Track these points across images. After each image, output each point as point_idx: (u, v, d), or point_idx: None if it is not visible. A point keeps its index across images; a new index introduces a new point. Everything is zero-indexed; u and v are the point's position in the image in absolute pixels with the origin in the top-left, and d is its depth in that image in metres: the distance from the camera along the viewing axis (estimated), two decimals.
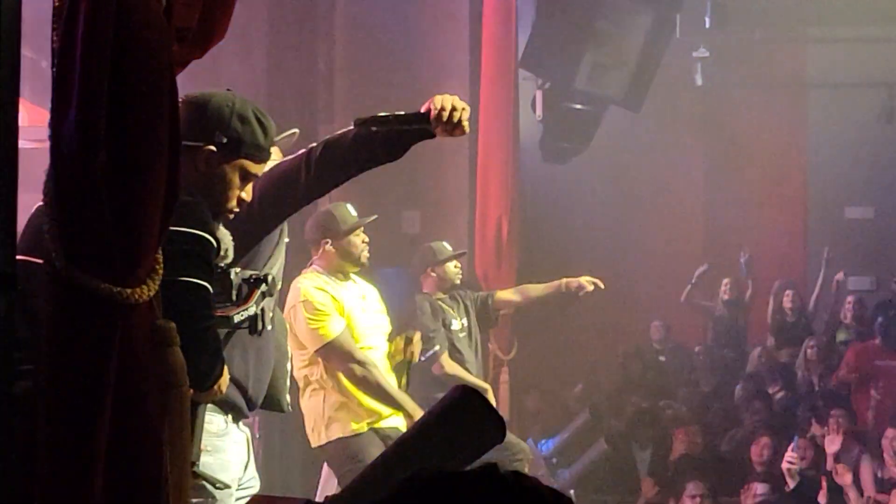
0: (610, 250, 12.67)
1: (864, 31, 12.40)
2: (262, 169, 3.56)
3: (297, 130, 4.48)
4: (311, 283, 5.97)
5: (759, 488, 8.16)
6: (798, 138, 13.40)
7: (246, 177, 3.49)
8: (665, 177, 13.14)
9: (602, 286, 7.59)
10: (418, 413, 6.03)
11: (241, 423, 3.97)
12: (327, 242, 6.02)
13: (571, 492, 8.71)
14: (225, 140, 3.41)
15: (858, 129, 12.84)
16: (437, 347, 7.29)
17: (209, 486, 3.71)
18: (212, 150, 3.41)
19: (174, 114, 2.00)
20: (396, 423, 6.04)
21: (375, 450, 5.78)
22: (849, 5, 11.73)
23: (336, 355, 5.90)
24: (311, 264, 6.12)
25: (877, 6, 11.60)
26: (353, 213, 6.15)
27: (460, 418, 2.58)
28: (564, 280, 7.64)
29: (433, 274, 7.36)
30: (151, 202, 1.98)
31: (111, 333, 1.97)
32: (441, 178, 9.52)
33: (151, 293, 2.01)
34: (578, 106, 10.04)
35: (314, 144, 3.94)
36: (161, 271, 2.04)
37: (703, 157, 13.46)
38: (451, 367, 7.32)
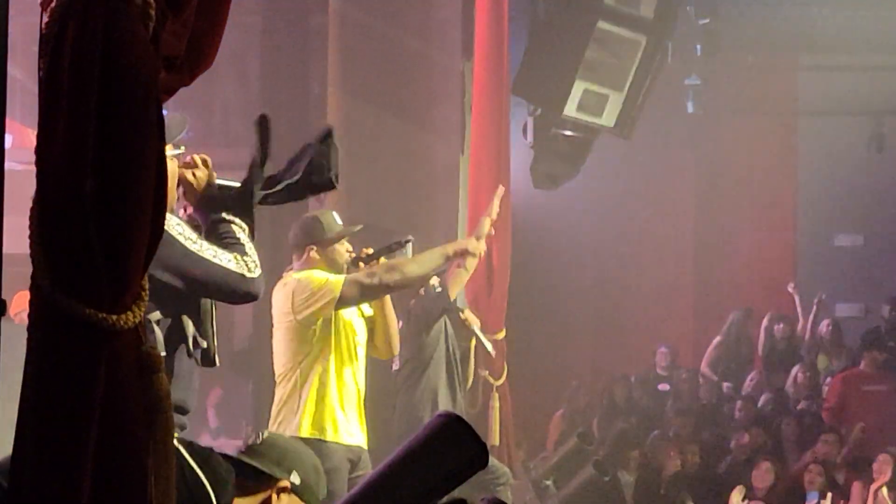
0: (601, 276, 12.69)
1: (854, 59, 12.48)
2: None
3: None
4: (299, 273, 5.85)
5: None
6: (788, 166, 13.45)
7: None
8: (656, 203, 13.17)
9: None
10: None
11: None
12: (312, 248, 5.87)
13: None
14: None
15: (848, 156, 12.90)
16: None
17: None
18: None
19: (161, 141, 2.02)
20: (360, 441, 5.91)
21: (342, 467, 5.70)
22: (839, 34, 11.79)
23: (360, 287, 5.70)
24: (290, 268, 5.97)
25: (867, 35, 11.67)
26: (339, 221, 5.98)
27: (443, 444, 2.59)
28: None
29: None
30: (138, 229, 1.99)
31: (96, 359, 1.97)
32: (433, 203, 9.53)
33: (137, 319, 2.02)
34: (569, 132, 10.06)
35: None
36: (147, 298, 2.05)
37: (693, 184, 13.50)
38: None
